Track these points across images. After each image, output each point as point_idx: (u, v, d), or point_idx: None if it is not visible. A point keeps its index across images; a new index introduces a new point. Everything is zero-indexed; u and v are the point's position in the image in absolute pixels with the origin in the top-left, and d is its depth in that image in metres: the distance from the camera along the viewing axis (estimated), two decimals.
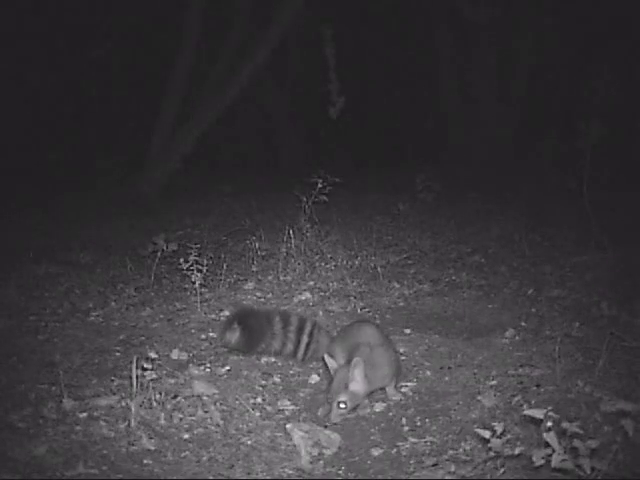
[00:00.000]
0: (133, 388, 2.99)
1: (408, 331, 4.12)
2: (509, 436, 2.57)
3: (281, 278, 4.99)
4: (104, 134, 12.07)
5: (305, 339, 3.60)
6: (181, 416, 2.95)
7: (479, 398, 3.10)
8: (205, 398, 3.09)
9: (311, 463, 2.76)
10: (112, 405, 2.96)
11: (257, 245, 5.64)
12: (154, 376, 3.04)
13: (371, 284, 5.01)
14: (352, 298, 4.70)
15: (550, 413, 2.21)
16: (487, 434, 2.34)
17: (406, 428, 3.01)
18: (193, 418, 2.95)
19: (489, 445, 2.37)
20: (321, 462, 2.78)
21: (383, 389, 3.29)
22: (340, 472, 2.73)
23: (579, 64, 8.88)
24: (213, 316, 4.34)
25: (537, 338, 3.83)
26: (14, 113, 9.85)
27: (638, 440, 2.41)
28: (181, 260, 4.48)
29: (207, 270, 4.59)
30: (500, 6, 9.50)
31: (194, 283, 4.44)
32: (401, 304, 4.67)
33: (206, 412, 3.00)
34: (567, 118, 7.78)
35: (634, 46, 8.48)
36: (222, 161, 13.33)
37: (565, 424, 2.14)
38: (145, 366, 3.03)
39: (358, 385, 3.06)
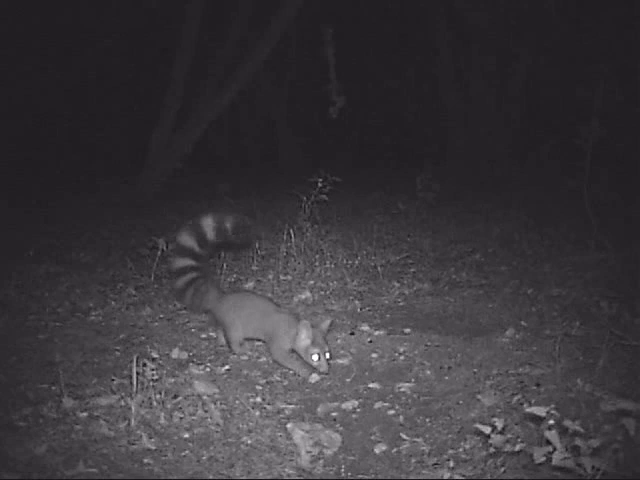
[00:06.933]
0: (133, 387, 2.99)
1: (408, 330, 4.12)
2: (509, 435, 2.57)
3: (281, 277, 4.99)
4: (104, 134, 12.09)
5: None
6: (181, 415, 2.94)
7: (479, 397, 3.10)
8: (205, 397, 3.09)
9: (311, 463, 2.75)
10: (112, 404, 2.96)
11: (257, 244, 5.64)
12: (154, 375, 3.03)
13: (371, 283, 5.01)
14: (352, 297, 4.70)
15: (552, 411, 2.21)
16: (487, 430, 2.34)
17: (406, 427, 3.00)
18: (193, 417, 2.95)
19: (490, 441, 2.37)
20: (321, 462, 2.77)
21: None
22: (340, 472, 2.72)
23: (579, 64, 8.88)
24: None
25: (537, 337, 3.83)
26: (14, 113, 9.85)
27: (639, 439, 2.41)
28: None
29: None
30: (500, 7, 9.50)
31: None
32: (401, 303, 4.67)
33: (206, 411, 2.99)
34: (567, 118, 7.79)
35: (634, 46, 8.48)
36: (222, 161, 13.35)
37: (566, 422, 2.14)
38: (145, 365, 3.03)
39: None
